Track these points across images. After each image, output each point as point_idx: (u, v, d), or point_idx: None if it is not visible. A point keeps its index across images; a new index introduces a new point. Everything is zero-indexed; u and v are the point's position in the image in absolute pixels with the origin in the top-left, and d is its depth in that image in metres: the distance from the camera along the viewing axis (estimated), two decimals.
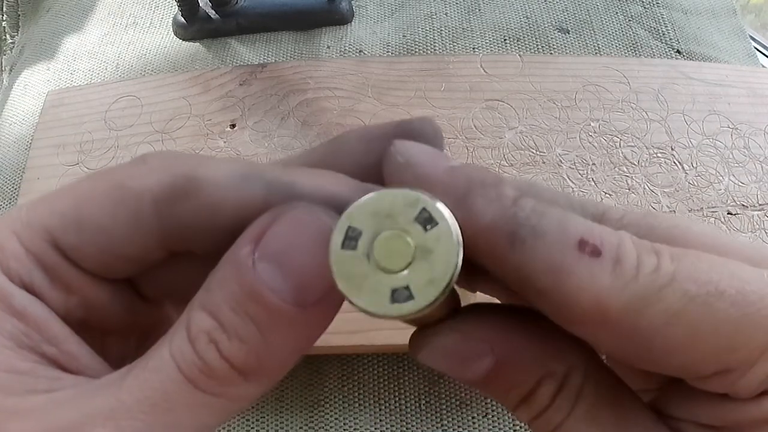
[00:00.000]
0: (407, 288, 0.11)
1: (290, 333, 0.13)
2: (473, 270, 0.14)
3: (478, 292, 0.17)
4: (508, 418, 0.28)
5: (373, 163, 0.14)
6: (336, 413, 0.29)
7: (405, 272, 0.11)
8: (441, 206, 0.11)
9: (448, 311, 0.15)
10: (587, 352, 0.15)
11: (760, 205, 0.32)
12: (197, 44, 0.41)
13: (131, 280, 0.16)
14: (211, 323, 0.12)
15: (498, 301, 0.16)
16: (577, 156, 0.33)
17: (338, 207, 0.12)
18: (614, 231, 0.13)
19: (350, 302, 0.12)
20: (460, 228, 0.12)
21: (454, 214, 0.12)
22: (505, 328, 0.14)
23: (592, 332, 0.13)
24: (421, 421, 0.28)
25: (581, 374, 0.14)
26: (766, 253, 0.14)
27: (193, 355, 0.12)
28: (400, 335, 0.27)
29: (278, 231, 0.12)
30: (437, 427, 0.28)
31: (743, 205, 0.32)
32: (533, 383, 0.14)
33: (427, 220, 0.12)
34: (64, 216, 0.14)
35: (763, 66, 0.42)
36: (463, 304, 0.15)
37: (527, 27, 0.41)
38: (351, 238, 0.12)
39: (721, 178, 0.33)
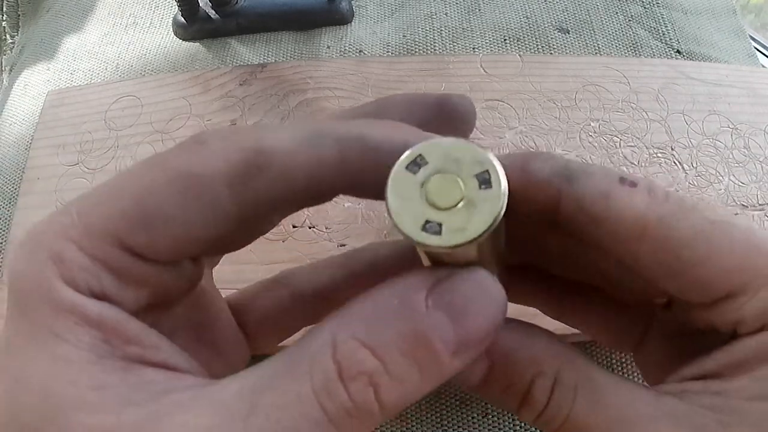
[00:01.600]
0: (440, 225, 0.12)
1: (437, 378, 0.13)
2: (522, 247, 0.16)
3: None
4: (508, 418, 0.28)
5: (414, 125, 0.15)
6: None
7: (445, 212, 0.12)
8: (502, 176, 0.13)
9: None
10: (574, 352, 0.16)
11: (760, 205, 0.32)
12: (197, 44, 0.41)
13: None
14: (375, 364, 0.12)
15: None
16: (577, 156, 0.33)
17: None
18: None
19: (389, 215, 0.12)
20: (509, 207, 0.13)
21: (512, 190, 0.13)
22: (500, 334, 0.15)
23: (633, 248, 0.15)
24: (421, 421, 0.28)
25: (573, 370, 0.16)
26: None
27: (344, 396, 0.12)
28: None
29: (458, 286, 0.13)
30: (437, 427, 0.28)
31: (743, 205, 0.32)
32: (527, 383, 0.15)
33: (485, 180, 0.13)
34: (127, 215, 0.13)
35: (763, 66, 0.42)
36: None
37: (527, 27, 0.41)
38: (416, 164, 0.13)
39: (721, 178, 0.33)
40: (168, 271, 0.14)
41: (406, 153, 0.13)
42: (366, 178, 0.14)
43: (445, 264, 0.14)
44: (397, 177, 0.13)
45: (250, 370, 0.13)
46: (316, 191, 0.14)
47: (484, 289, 0.13)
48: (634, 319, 0.20)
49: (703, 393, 0.15)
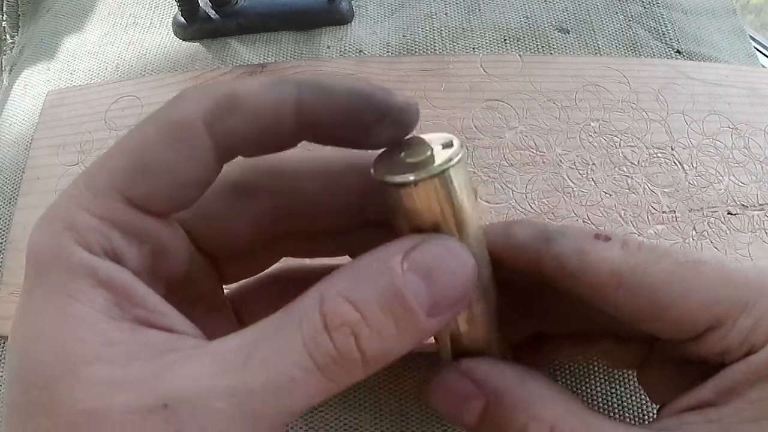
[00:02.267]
0: (412, 167, 0.15)
1: (415, 334, 0.14)
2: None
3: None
4: None
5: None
6: (336, 413, 0.29)
7: (414, 164, 0.15)
8: (461, 143, 0.16)
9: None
10: (571, 397, 0.17)
11: (760, 205, 0.32)
12: (197, 44, 0.41)
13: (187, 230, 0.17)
14: (356, 316, 0.13)
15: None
16: (577, 156, 0.33)
17: (362, 97, 0.15)
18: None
19: (373, 173, 0.16)
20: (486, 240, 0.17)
21: (496, 252, 0.18)
22: (495, 372, 0.17)
23: (610, 297, 0.17)
24: (421, 421, 0.28)
25: (570, 415, 0.16)
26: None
27: (329, 345, 0.13)
28: None
29: (429, 250, 0.15)
30: (437, 427, 0.28)
31: (743, 205, 0.32)
32: (520, 427, 0.16)
33: (448, 144, 0.16)
34: (127, 170, 0.15)
35: (763, 66, 0.42)
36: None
37: (527, 27, 0.41)
38: (398, 147, 0.16)
39: (721, 178, 0.33)
40: (165, 227, 0.16)
41: (387, 150, 0.16)
42: (323, 119, 0.15)
43: (423, 231, 0.15)
44: (382, 153, 0.17)
45: (246, 328, 0.14)
46: (281, 132, 0.15)
47: (453, 253, 0.15)
48: (632, 349, 0.20)
49: (700, 423, 0.16)
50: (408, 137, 0.17)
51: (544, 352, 0.22)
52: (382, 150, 0.17)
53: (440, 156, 0.15)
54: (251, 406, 0.13)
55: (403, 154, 0.16)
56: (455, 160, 0.15)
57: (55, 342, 0.13)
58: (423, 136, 0.17)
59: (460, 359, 0.18)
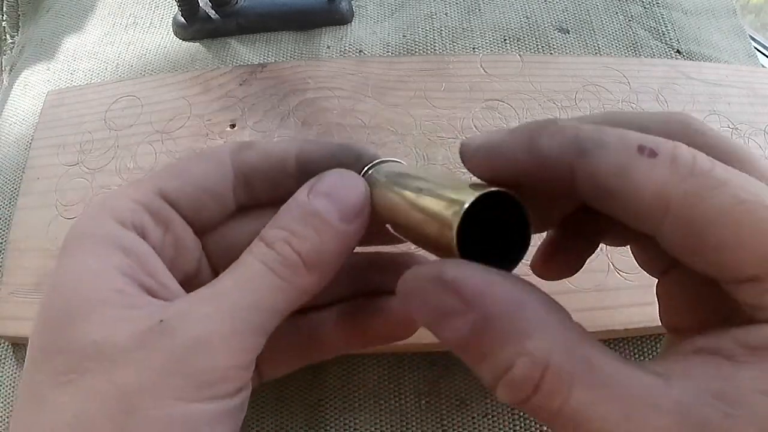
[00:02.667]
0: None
1: (337, 239, 0.18)
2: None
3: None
4: (509, 418, 0.28)
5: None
6: (336, 413, 0.29)
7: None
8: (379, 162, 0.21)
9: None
10: (576, 328, 0.15)
11: None
12: (197, 44, 0.41)
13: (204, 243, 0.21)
14: (284, 233, 0.18)
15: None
16: None
17: (344, 146, 0.21)
18: (670, 140, 0.14)
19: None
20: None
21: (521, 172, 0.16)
22: (488, 290, 0.14)
23: (655, 225, 0.14)
24: (421, 421, 0.28)
25: (572, 353, 0.14)
26: None
27: (272, 252, 0.18)
28: None
29: (326, 179, 0.19)
30: (437, 427, 0.28)
31: None
32: (507, 362, 0.14)
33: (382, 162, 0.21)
34: (166, 172, 0.20)
35: (763, 66, 0.42)
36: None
37: (527, 27, 0.41)
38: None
39: None
40: (187, 229, 0.20)
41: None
42: (315, 159, 0.21)
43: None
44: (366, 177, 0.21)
45: (216, 279, 0.18)
46: (286, 171, 0.21)
47: (342, 175, 0.19)
48: (660, 252, 0.17)
49: (713, 376, 0.14)
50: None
51: (586, 233, 0.20)
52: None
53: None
54: (227, 304, 0.17)
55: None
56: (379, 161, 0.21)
57: (71, 289, 0.16)
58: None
59: (446, 261, 0.15)
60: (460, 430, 0.28)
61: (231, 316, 0.16)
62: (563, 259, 0.21)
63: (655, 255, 0.18)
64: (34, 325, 0.17)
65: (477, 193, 0.15)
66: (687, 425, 0.13)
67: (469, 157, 0.17)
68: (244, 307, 0.17)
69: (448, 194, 0.15)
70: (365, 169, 0.21)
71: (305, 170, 0.20)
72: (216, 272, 0.21)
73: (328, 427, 0.28)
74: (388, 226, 0.19)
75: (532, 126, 0.16)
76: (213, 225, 0.21)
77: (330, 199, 0.18)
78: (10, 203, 0.36)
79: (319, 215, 0.18)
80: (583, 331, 0.15)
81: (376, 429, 0.28)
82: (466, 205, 0.14)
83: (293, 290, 0.17)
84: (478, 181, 0.17)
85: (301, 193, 0.19)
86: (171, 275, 0.19)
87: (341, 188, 0.19)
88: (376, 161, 0.21)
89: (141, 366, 0.15)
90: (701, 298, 0.16)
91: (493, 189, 0.15)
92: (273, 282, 0.17)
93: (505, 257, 0.16)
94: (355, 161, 0.21)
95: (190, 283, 0.20)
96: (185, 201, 0.20)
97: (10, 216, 0.35)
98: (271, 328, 0.17)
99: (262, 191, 0.21)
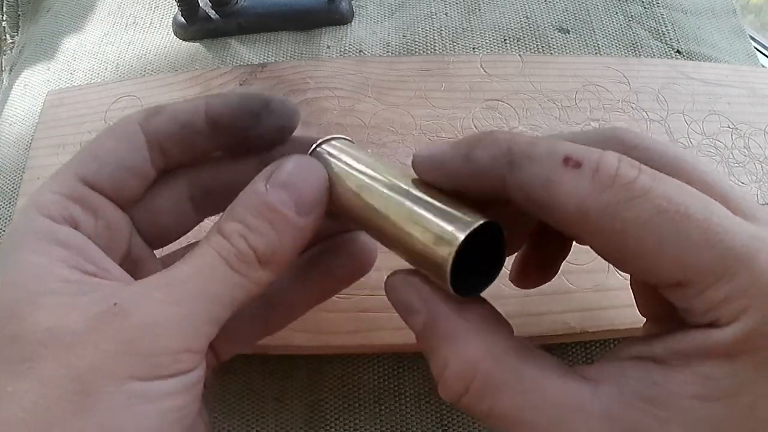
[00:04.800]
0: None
1: (293, 234, 0.18)
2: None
3: None
4: None
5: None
6: (336, 413, 0.29)
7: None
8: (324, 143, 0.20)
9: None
10: (510, 336, 0.17)
11: (761, 205, 0.32)
12: (197, 44, 0.41)
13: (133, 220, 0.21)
14: (240, 227, 0.18)
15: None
16: None
17: (250, 95, 0.21)
18: (601, 150, 0.15)
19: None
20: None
21: (457, 177, 0.17)
22: (436, 294, 0.17)
23: (579, 233, 0.15)
24: (421, 421, 0.28)
25: (501, 359, 0.16)
26: (756, 208, 0.15)
27: (228, 245, 0.17)
28: (400, 336, 0.27)
29: (284, 168, 0.18)
30: (437, 427, 0.28)
31: None
32: (443, 360, 0.16)
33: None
34: (83, 158, 0.19)
35: (763, 66, 0.42)
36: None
37: (527, 27, 0.41)
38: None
39: None
40: (114, 209, 0.20)
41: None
42: (223, 112, 0.20)
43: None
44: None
45: (171, 266, 0.18)
46: (197, 129, 0.20)
47: (302, 165, 0.19)
48: None
49: (644, 381, 0.14)
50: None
51: (554, 242, 0.21)
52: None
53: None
54: (181, 293, 0.17)
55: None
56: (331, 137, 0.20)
57: (18, 283, 0.16)
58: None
59: (416, 272, 0.18)
60: (460, 430, 0.28)
61: (184, 304, 0.16)
62: (537, 270, 0.22)
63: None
64: None
65: (467, 230, 0.16)
66: (615, 429, 0.14)
67: (416, 167, 0.18)
68: (197, 296, 0.17)
69: (435, 222, 0.17)
70: (315, 145, 0.20)
71: (216, 127, 0.20)
72: (148, 243, 0.21)
73: (328, 427, 0.28)
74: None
75: (471, 138, 0.17)
76: (137, 197, 0.21)
77: (287, 191, 0.18)
78: (10, 203, 0.36)
79: (275, 209, 0.18)
80: (521, 343, 0.16)
81: (376, 429, 0.28)
82: (459, 243, 0.16)
83: (248, 283, 0.17)
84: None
85: (259, 183, 0.18)
86: (110, 259, 0.19)
87: (299, 178, 0.18)
88: (327, 138, 0.20)
89: (95, 347, 0.15)
90: (656, 296, 0.16)
91: (483, 221, 0.16)
92: (227, 274, 0.17)
93: (479, 272, 0.18)
94: (262, 108, 0.20)
95: (127, 260, 0.20)
96: (107, 182, 0.19)
97: (10, 216, 0.35)
98: (224, 318, 0.17)
99: (178, 154, 0.21)
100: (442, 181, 0.18)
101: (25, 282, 0.16)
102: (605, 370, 0.15)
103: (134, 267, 0.21)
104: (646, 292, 0.19)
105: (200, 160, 0.21)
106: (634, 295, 0.19)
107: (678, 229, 0.14)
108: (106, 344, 0.15)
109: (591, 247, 0.16)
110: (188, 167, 0.22)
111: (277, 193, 0.18)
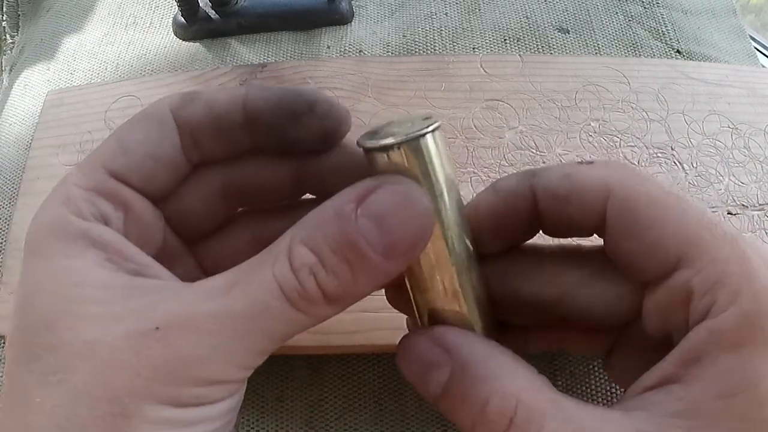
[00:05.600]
0: (393, 135, 0.16)
1: (372, 276, 0.16)
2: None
3: None
4: None
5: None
6: (336, 413, 0.29)
7: (397, 131, 0.16)
8: (435, 117, 0.17)
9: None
10: (541, 377, 0.17)
11: (760, 205, 0.32)
12: (197, 44, 0.41)
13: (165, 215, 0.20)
14: (313, 260, 0.15)
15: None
16: (577, 156, 0.33)
17: (293, 91, 0.18)
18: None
19: (358, 142, 0.17)
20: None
21: (491, 210, 0.19)
22: (465, 342, 0.17)
23: (599, 212, 0.17)
24: (421, 421, 0.28)
25: (539, 393, 0.16)
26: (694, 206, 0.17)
27: (295, 282, 0.15)
28: (400, 336, 0.27)
29: (383, 197, 0.15)
30: (437, 427, 0.28)
31: (743, 205, 0.32)
32: (482, 400, 0.16)
33: (428, 117, 0.17)
34: (110, 150, 0.18)
35: (763, 66, 0.42)
36: None
37: (527, 27, 0.41)
38: (380, 128, 0.18)
39: (721, 178, 0.33)
40: (144, 202, 0.18)
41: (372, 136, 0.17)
42: (263, 108, 0.18)
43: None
44: (367, 131, 0.17)
45: (228, 270, 0.16)
46: (232, 121, 0.18)
47: (408, 198, 0.15)
48: (599, 338, 0.20)
49: (668, 401, 0.15)
50: (392, 118, 0.18)
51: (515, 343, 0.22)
52: (367, 130, 0.18)
53: (419, 125, 0.16)
54: (233, 327, 0.15)
55: (385, 129, 0.17)
56: (432, 127, 0.16)
57: (55, 290, 0.15)
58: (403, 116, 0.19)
59: (435, 326, 0.18)
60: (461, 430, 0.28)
61: (235, 339, 0.15)
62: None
63: (592, 343, 0.20)
64: (12, 327, 0.16)
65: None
66: None
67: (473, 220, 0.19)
68: (249, 331, 0.15)
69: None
70: (419, 133, 0.16)
71: (255, 123, 0.18)
72: (180, 237, 0.20)
73: (328, 427, 0.28)
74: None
75: (493, 183, 0.19)
76: (170, 190, 0.19)
77: (379, 228, 0.15)
78: (10, 203, 0.36)
79: (358, 248, 0.15)
80: (547, 380, 0.17)
81: (376, 429, 0.28)
82: None
83: (307, 319, 0.16)
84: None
85: (347, 204, 0.15)
86: (144, 254, 0.17)
87: (396, 218, 0.15)
88: (431, 127, 0.16)
89: (133, 370, 0.15)
90: (644, 360, 0.17)
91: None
92: (286, 311, 0.15)
93: None
94: (308, 109, 0.18)
95: (159, 256, 0.19)
96: (136, 175, 0.18)
97: (10, 216, 0.35)
98: (273, 349, 0.16)
99: (212, 147, 0.19)
100: (487, 225, 0.19)
101: (60, 289, 0.15)
102: (629, 405, 0.16)
103: (168, 263, 0.19)
104: (625, 361, 0.19)
105: (236, 154, 0.20)
106: (610, 374, 0.21)
107: (680, 208, 0.16)
108: (146, 370, 0.15)
109: (605, 230, 0.17)
110: (223, 162, 0.20)
111: (366, 227, 0.15)
